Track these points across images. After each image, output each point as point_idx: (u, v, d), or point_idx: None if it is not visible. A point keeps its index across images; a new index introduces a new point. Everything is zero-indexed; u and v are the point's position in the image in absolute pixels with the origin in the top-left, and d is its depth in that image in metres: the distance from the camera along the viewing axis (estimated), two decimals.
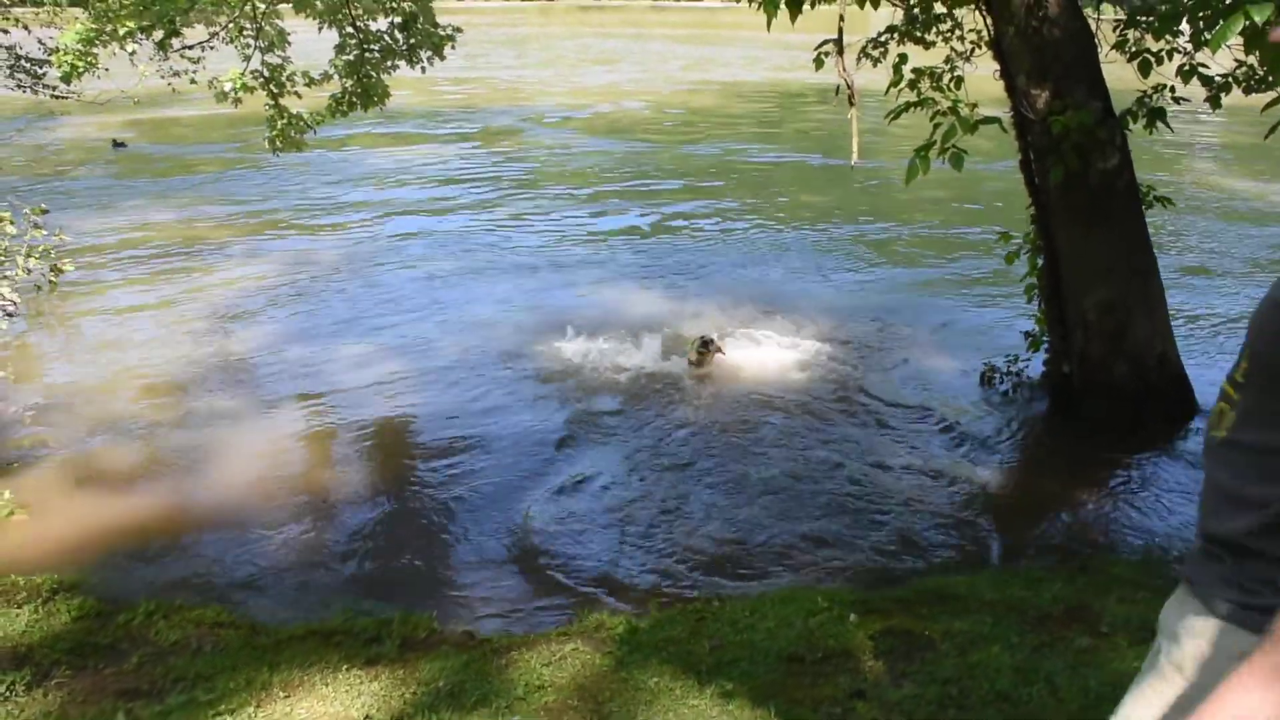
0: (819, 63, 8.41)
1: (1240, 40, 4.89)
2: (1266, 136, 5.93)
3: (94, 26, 8.12)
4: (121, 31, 8.08)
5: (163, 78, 9.68)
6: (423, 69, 10.06)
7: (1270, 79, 6.57)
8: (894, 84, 7.39)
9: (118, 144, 22.20)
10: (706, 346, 9.47)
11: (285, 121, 9.53)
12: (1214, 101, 7.77)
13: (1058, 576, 5.92)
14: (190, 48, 9.53)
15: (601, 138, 23.90)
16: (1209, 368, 9.51)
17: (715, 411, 8.78)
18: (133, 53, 8.87)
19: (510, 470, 7.72)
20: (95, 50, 8.22)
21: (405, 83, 10.89)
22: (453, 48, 10.05)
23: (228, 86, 8.55)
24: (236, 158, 20.64)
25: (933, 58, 8.62)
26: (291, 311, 11.52)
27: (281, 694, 4.48)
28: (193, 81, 9.65)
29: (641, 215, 16.49)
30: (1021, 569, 6.20)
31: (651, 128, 25.53)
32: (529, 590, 6.15)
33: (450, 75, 32.55)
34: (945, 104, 7.01)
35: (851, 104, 7.86)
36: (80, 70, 8.19)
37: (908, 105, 7.23)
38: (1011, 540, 6.85)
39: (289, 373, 9.70)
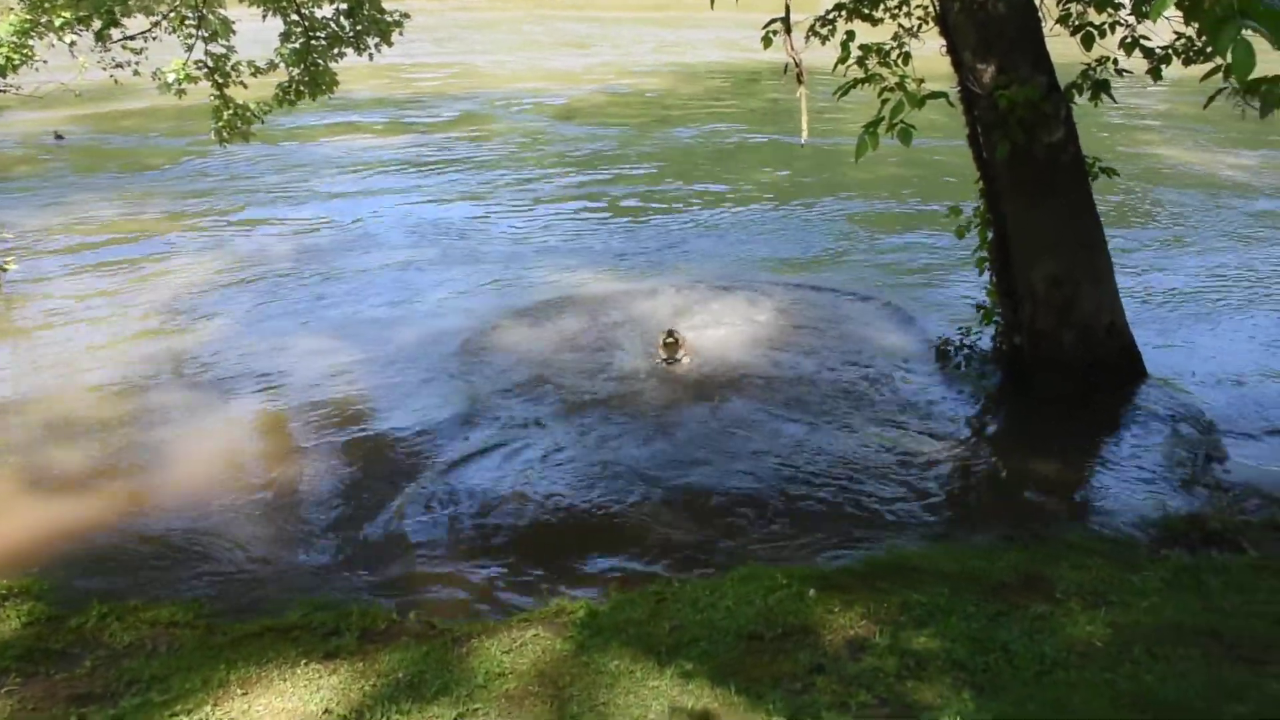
0: (767, 41, 8.40)
1: (1179, 12, 4.94)
2: (1205, 106, 6.01)
3: (28, 18, 7.91)
4: (58, 22, 7.89)
5: (104, 70, 9.44)
6: (370, 56, 9.93)
7: (1208, 49, 6.66)
8: (842, 60, 7.41)
9: (58, 137, 21.73)
10: (673, 337, 9.33)
11: (231, 112, 9.36)
12: (1155, 73, 7.87)
13: (1013, 547, 6.01)
14: (131, 38, 9.32)
15: (566, 123, 23.74)
16: (1159, 337, 9.67)
17: (673, 393, 8.78)
18: (72, 44, 8.67)
19: (469, 459, 7.68)
20: (30, 42, 8.02)
21: (381, 70, 10.75)
22: (400, 34, 9.92)
23: (171, 77, 8.38)
24: (185, 150, 20.26)
25: (881, 34, 8.66)
26: (243, 304, 11.36)
27: (239, 691, 4.44)
28: (136, 73, 9.43)
29: (600, 199, 16.40)
30: (978, 540, 6.28)
31: (616, 112, 25.40)
32: (490, 578, 6.13)
33: (418, 61, 32.28)
34: (893, 80, 7.02)
35: (800, 82, 7.87)
36: (15, 63, 7.98)
37: (855, 82, 7.22)
38: (968, 512, 6.94)
39: (242, 366, 9.58)
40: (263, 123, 9.67)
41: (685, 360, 9.30)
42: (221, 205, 16.06)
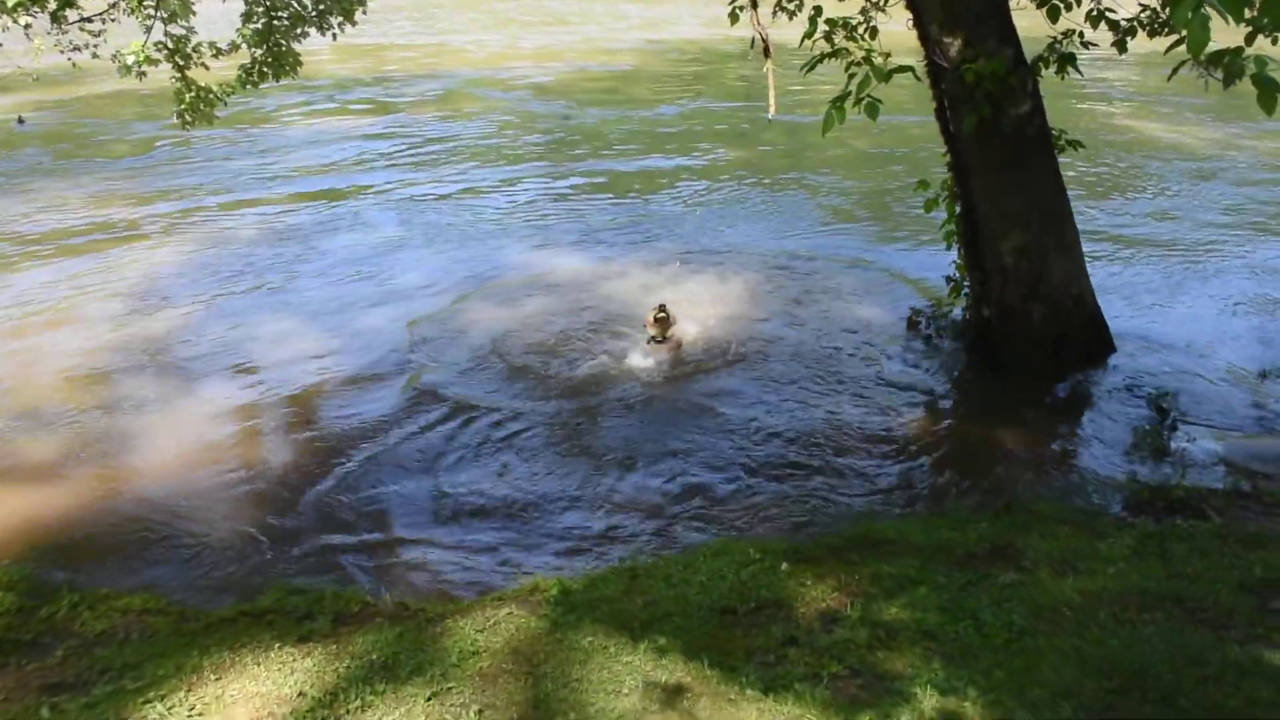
0: (734, 17, 8.39)
1: None
2: (1169, 78, 6.04)
3: None
4: (11, 3, 7.75)
5: (62, 52, 9.31)
6: (334, 35, 9.84)
7: (1171, 21, 6.68)
8: (808, 35, 7.40)
9: (20, 121, 21.48)
10: (665, 312, 8.89)
11: (194, 95, 9.27)
12: (1120, 45, 7.91)
13: (983, 517, 6.06)
14: (88, 20, 9.18)
15: (543, 101, 23.63)
16: (1127, 308, 9.76)
17: (643, 370, 8.77)
18: (27, 26, 8.53)
19: (442, 440, 7.67)
20: None
21: (359, 51, 10.62)
22: (364, 12, 9.84)
23: (130, 59, 8.27)
24: (156, 134, 20.02)
25: (848, 9, 8.64)
26: (214, 289, 11.27)
27: (212, 677, 4.43)
28: (95, 56, 9.30)
29: (572, 177, 16.35)
30: (948, 511, 6.34)
31: (593, 89, 25.32)
32: (464, 558, 6.14)
33: (395, 41, 31.97)
34: (859, 54, 7.03)
35: (767, 56, 7.86)
36: None
37: (822, 56, 7.24)
38: (938, 484, 6.99)
39: (213, 351, 9.51)
40: (226, 105, 9.58)
41: (674, 337, 9.07)
42: (191, 189, 15.89)
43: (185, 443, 7.73)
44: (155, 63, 8.56)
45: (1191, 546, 5.40)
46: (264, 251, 12.57)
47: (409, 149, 18.66)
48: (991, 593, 4.91)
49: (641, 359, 8.89)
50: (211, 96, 9.22)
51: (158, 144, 19.28)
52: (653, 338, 8.91)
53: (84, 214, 14.48)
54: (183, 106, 9.18)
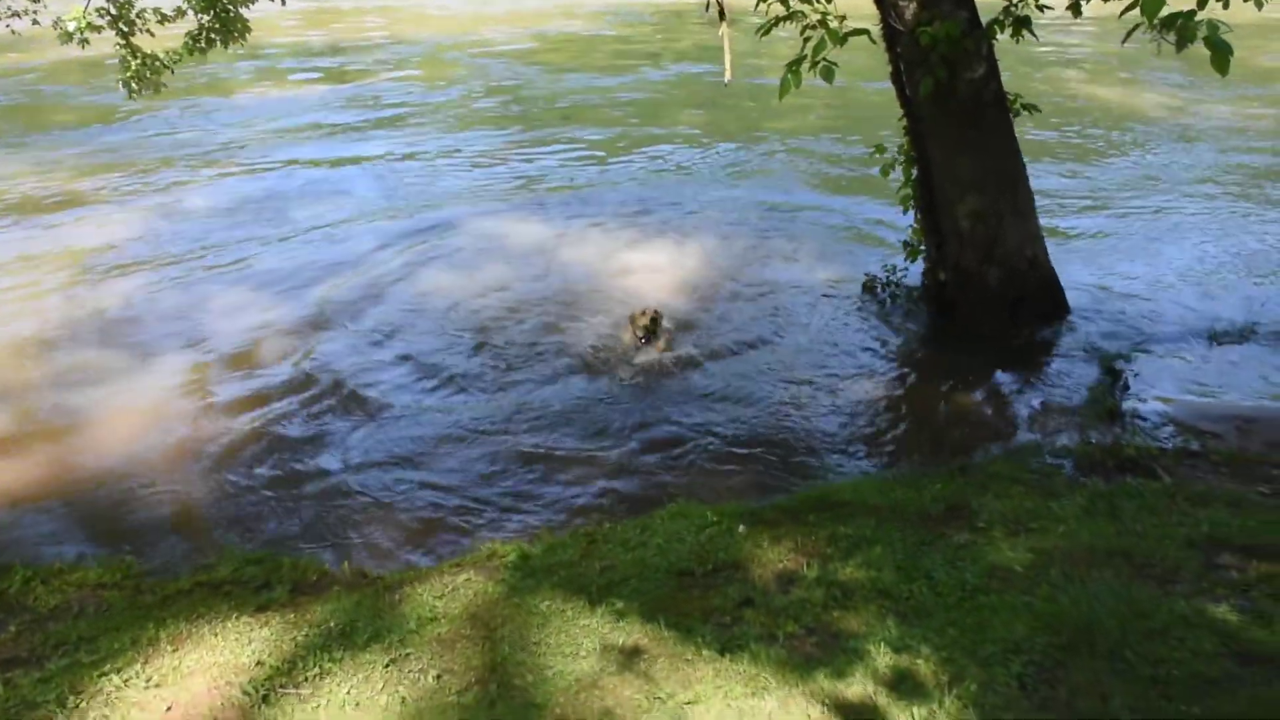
0: None
1: None
2: (1123, 41, 6.08)
3: None
4: None
5: (1, 19, 9.09)
6: (283, 1, 9.67)
7: None
8: None
9: None
10: (656, 317, 8.40)
11: (139, 62, 9.09)
12: (1075, 9, 7.90)
13: (938, 478, 6.12)
14: None
15: (509, 67, 23.40)
16: (1081, 271, 9.87)
17: (598, 335, 8.77)
18: None
19: (399, 409, 7.63)
20: None
21: (323, 16, 10.42)
22: None
23: (71, 26, 8.11)
24: (104, 103, 19.59)
25: None
26: (166, 259, 11.09)
27: (169, 648, 4.40)
28: (35, 23, 9.08)
29: (518, 148, 16.21)
30: (904, 473, 6.41)
31: (558, 54, 25.11)
32: (422, 526, 6.13)
33: (360, 6, 31.45)
34: (814, 17, 7.01)
35: (722, 19, 7.81)
36: None
37: (776, 19, 7.21)
38: (895, 446, 7.07)
39: (165, 323, 9.38)
40: (174, 74, 9.39)
41: (662, 344, 8.42)
42: (142, 160, 15.58)
43: (135, 416, 7.63)
44: (98, 29, 8.38)
45: (1141, 505, 5.50)
46: (217, 221, 12.39)
47: (365, 116, 18.43)
48: (946, 552, 4.97)
49: (585, 326, 8.84)
50: (158, 64, 9.05)
51: (106, 113, 18.88)
52: (641, 338, 8.40)
53: (31, 184, 14.18)
54: (128, 75, 9.01)
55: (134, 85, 9.06)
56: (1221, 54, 4.93)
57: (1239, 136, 15.39)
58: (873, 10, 8.08)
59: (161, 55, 9.09)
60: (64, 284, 10.44)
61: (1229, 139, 15.24)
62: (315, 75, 22.71)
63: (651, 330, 8.38)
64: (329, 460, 6.95)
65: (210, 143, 16.71)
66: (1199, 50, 5.18)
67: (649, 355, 8.30)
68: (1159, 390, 7.55)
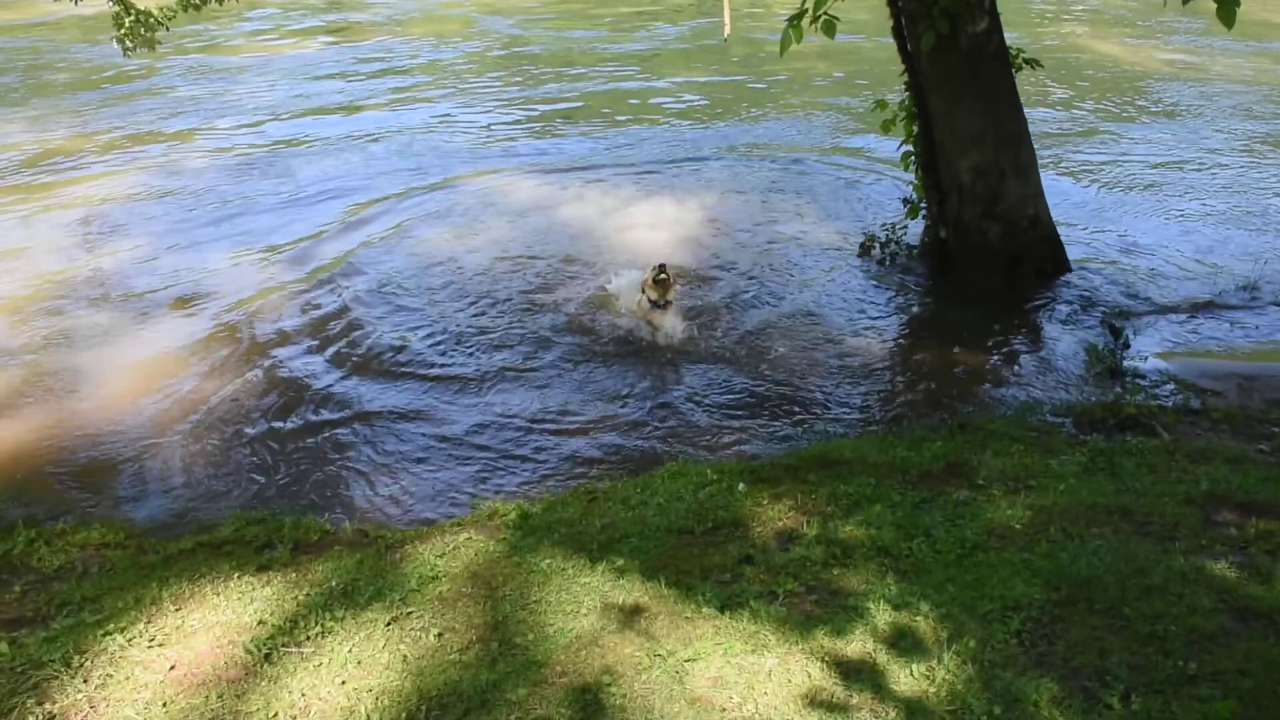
0: None
1: None
2: None
3: None
4: None
5: None
6: None
7: None
8: None
9: None
10: (665, 274, 7.79)
11: (133, 19, 8.97)
12: None
13: (938, 436, 6.13)
14: None
15: (501, 18, 23.15)
16: (1082, 229, 9.82)
17: (595, 294, 8.75)
18: None
19: (397, 367, 7.63)
20: None
21: None
22: None
23: None
24: (98, 61, 19.37)
25: None
26: (163, 223, 11.02)
27: (172, 608, 4.43)
28: None
29: (519, 104, 16.06)
30: (905, 431, 6.41)
31: (535, 13, 24.82)
32: (423, 485, 6.15)
33: None
34: None
35: None
36: None
37: None
38: (895, 404, 7.07)
39: (162, 285, 9.34)
40: (168, 30, 9.28)
41: (673, 300, 7.97)
42: (140, 119, 15.40)
43: (136, 377, 7.63)
44: None
45: (1140, 462, 5.51)
46: (214, 181, 12.30)
47: (363, 73, 18.23)
48: (945, 510, 4.99)
49: (582, 286, 8.80)
50: (152, 21, 8.93)
51: (102, 71, 18.68)
52: (653, 301, 7.86)
53: (21, 147, 14.05)
54: (123, 32, 8.89)
55: (128, 43, 8.95)
56: (1228, 6, 4.86)
57: (1246, 93, 15.23)
58: None
59: (155, 11, 8.97)
60: (61, 243, 10.38)
61: (1235, 96, 15.09)
62: (310, 31, 22.46)
63: (663, 289, 7.80)
64: (330, 419, 6.96)
65: (207, 101, 16.55)
66: (1206, 4, 5.12)
67: (662, 321, 7.92)
68: (1160, 348, 7.55)
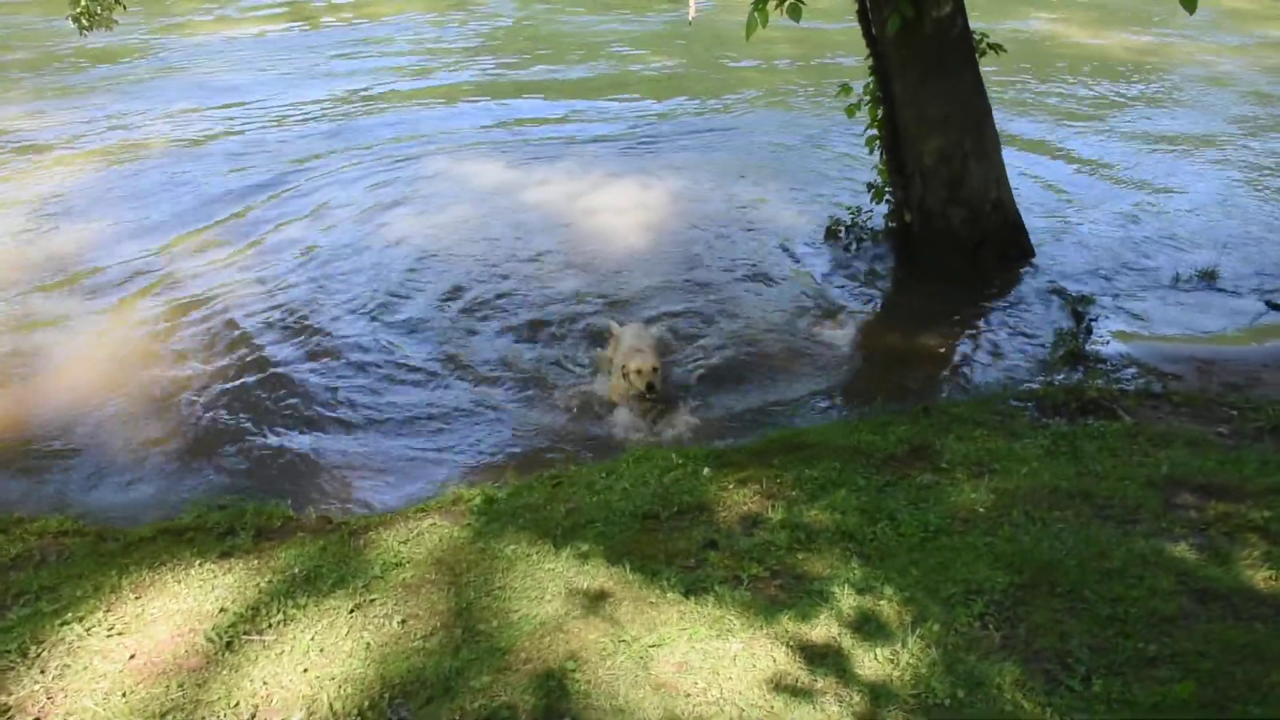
0: None
1: None
2: None
3: None
4: None
5: None
6: None
7: None
8: None
9: None
10: (656, 366, 6.60)
11: None
12: None
13: (903, 420, 6.15)
14: None
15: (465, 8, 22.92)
16: (1046, 215, 9.89)
17: (561, 276, 8.72)
18: None
19: (362, 353, 7.58)
20: None
21: None
22: None
23: None
24: (54, 41, 19.00)
25: None
26: (127, 205, 10.84)
27: (132, 596, 4.37)
28: None
29: (487, 86, 15.92)
30: (870, 415, 6.42)
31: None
32: (387, 470, 6.13)
33: None
34: None
35: None
36: None
37: None
38: (860, 388, 7.10)
39: (124, 268, 9.21)
40: (125, 10, 9.11)
41: (658, 390, 6.60)
42: (101, 101, 15.11)
43: (96, 362, 7.52)
44: None
45: (1102, 446, 5.56)
46: (176, 165, 12.11)
47: (326, 54, 18.00)
48: (909, 494, 5.01)
49: (551, 269, 8.79)
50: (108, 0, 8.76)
51: (58, 51, 18.33)
52: (643, 395, 6.57)
53: None
54: (78, 10, 8.72)
55: (84, 21, 8.78)
56: None
57: (1215, 81, 15.35)
58: None
59: None
60: (18, 226, 10.20)
61: (1203, 84, 15.21)
62: (273, 12, 22.13)
63: (650, 378, 6.54)
64: (292, 405, 6.89)
65: (167, 82, 16.28)
66: None
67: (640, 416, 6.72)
68: (1121, 332, 7.62)
